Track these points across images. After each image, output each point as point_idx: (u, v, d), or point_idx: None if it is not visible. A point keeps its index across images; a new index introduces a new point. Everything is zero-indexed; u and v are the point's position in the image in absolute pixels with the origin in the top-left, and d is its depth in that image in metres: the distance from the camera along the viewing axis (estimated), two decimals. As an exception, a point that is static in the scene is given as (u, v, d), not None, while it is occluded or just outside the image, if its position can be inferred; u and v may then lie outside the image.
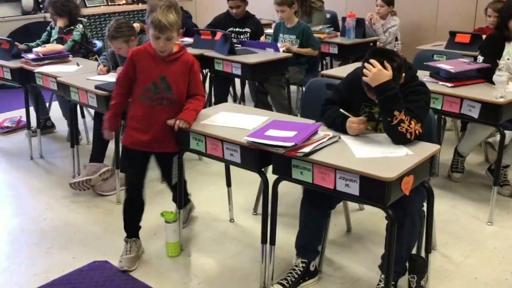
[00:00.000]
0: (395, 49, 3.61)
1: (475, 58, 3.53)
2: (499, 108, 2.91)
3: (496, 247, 2.88)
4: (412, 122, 2.24)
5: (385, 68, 2.26)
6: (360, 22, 4.97)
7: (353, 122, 2.37)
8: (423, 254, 2.46)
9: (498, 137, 3.27)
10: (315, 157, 2.16)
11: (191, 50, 4.61)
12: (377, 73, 2.26)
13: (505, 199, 3.40)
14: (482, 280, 2.59)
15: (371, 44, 5.01)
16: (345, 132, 2.40)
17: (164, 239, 2.90)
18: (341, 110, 2.42)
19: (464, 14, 5.40)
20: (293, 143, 2.19)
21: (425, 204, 2.38)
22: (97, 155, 3.74)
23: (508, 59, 3.38)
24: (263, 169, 2.47)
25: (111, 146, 3.63)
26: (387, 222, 2.11)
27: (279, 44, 4.50)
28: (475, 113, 2.99)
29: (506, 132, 3.14)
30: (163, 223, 2.85)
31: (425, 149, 2.23)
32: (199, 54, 4.44)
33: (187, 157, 3.34)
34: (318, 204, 2.48)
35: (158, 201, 3.43)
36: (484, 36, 4.26)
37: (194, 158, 4.02)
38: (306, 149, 2.18)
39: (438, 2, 5.58)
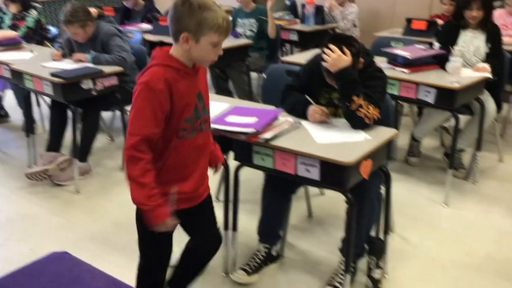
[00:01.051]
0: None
1: (431, 44, 3.61)
2: (454, 93, 3.00)
3: (452, 228, 2.98)
4: (371, 107, 2.28)
5: (344, 53, 2.29)
6: (319, 9, 5.01)
7: (316, 111, 2.39)
8: (381, 236, 2.52)
9: (453, 122, 3.37)
10: (276, 143, 2.18)
11: (150, 37, 4.56)
12: (336, 58, 2.28)
13: (460, 181, 3.51)
14: (438, 261, 2.68)
15: (331, 31, 5.06)
16: (305, 118, 2.42)
17: (126, 228, 2.87)
18: (306, 96, 2.44)
19: (420, 1, 5.51)
20: (254, 130, 2.19)
21: (383, 188, 2.44)
22: (54, 144, 3.65)
23: (463, 46, 3.47)
24: (224, 156, 2.47)
25: (68, 135, 3.56)
26: (347, 206, 2.15)
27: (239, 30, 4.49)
28: (431, 99, 3.07)
29: (461, 117, 3.23)
30: (125, 214, 2.81)
31: (383, 134, 2.27)
32: (159, 41, 4.39)
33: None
34: (279, 190, 2.50)
35: (116, 191, 3.39)
36: (440, 23, 4.38)
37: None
38: (267, 135, 2.19)
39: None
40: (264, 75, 3.70)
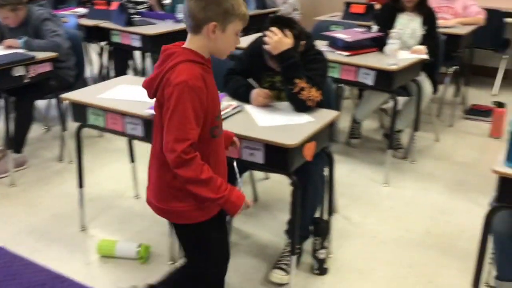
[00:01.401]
0: (294, 19, 3.67)
1: (370, 27, 3.68)
2: (392, 75, 3.07)
3: (392, 207, 3.07)
4: (312, 90, 2.29)
5: (285, 36, 2.29)
6: (259, -7, 4.99)
7: (259, 94, 2.38)
8: (325, 217, 2.56)
9: (391, 103, 3.46)
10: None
11: (86, 21, 4.39)
12: (278, 41, 2.27)
13: (399, 161, 3.62)
14: (380, 238, 2.76)
15: (272, 15, 5.05)
16: (248, 101, 2.41)
17: (66, 220, 2.77)
18: (249, 81, 2.43)
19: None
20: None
21: (326, 170, 2.47)
22: (-14, 135, 3.46)
23: (400, 29, 3.56)
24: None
25: (0, 125, 3.39)
26: (291, 189, 2.16)
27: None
28: (370, 81, 3.13)
29: (399, 98, 3.32)
30: (64, 205, 2.71)
31: (325, 116, 2.30)
32: (94, 25, 4.24)
33: (87, 134, 3.20)
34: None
35: (54, 182, 3.27)
36: (377, 7, 4.47)
37: (94, 135, 3.85)
38: (210, 120, 2.16)
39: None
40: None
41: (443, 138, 4.03)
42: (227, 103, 2.34)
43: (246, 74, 2.50)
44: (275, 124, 2.20)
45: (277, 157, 2.07)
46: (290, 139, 2.03)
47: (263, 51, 2.37)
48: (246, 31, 5.33)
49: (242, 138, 2.09)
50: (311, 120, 2.24)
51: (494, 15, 4.51)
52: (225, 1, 1.62)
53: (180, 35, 4.42)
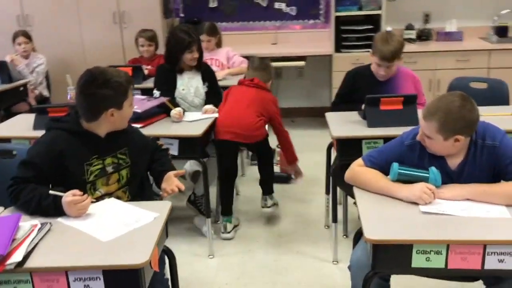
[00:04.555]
0: (68, 97, 3.16)
1: (152, 93, 3.38)
2: (196, 140, 2.85)
3: (227, 283, 2.81)
4: None
5: None
6: (2, 66, 4.24)
7: (76, 201, 1.85)
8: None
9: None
10: (33, 263, 1.59)
11: None
12: None
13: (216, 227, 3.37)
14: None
15: (21, 88, 4.36)
16: (61, 213, 1.87)
17: None
18: (51, 192, 1.87)
19: (111, 44, 5.24)
20: (-4, 255, 1.56)
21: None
22: None
23: (183, 89, 3.36)
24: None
25: None
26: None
27: None
28: (175, 150, 2.84)
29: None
30: None
31: (163, 209, 1.92)
32: None
33: None
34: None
35: None
36: (148, 67, 4.23)
37: None
38: (17, 256, 1.58)
39: (80, 34, 5.24)
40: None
41: (242, 189, 3.95)
42: (29, 225, 1.76)
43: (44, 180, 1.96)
44: (119, 234, 1.74)
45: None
46: (138, 255, 1.60)
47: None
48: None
49: (68, 270, 1.57)
50: (155, 215, 1.85)
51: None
52: None
53: None
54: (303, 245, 3.13)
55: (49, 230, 1.78)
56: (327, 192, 3.24)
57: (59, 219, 1.84)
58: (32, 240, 1.68)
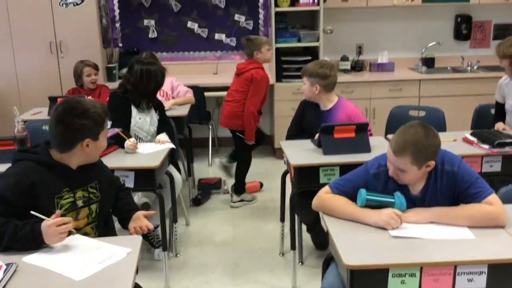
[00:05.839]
0: (15, 131, 2.99)
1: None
2: (153, 172, 2.80)
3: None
4: None
5: None
6: None
7: (50, 225, 1.76)
8: None
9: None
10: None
11: None
12: None
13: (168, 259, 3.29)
14: None
15: None
16: (39, 242, 1.78)
17: None
18: (32, 212, 1.78)
19: (48, 75, 5.03)
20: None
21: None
22: None
23: (140, 118, 3.32)
24: None
25: None
26: None
27: None
28: (130, 183, 2.77)
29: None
30: None
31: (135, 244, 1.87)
32: None
33: None
34: None
35: None
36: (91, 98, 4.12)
37: None
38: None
39: (14, 63, 5.01)
40: None
41: (192, 220, 3.90)
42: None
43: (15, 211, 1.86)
44: (93, 272, 1.68)
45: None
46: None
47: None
48: None
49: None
50: (128, 251, 1.79)
51: (196, 91, 4.68)
52: None
53: None
54: (260, 274, 3.12)
55: (15, 271, 1.68)
56: (282, 220, 3.28)
57: (24, 259, 1.75)
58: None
